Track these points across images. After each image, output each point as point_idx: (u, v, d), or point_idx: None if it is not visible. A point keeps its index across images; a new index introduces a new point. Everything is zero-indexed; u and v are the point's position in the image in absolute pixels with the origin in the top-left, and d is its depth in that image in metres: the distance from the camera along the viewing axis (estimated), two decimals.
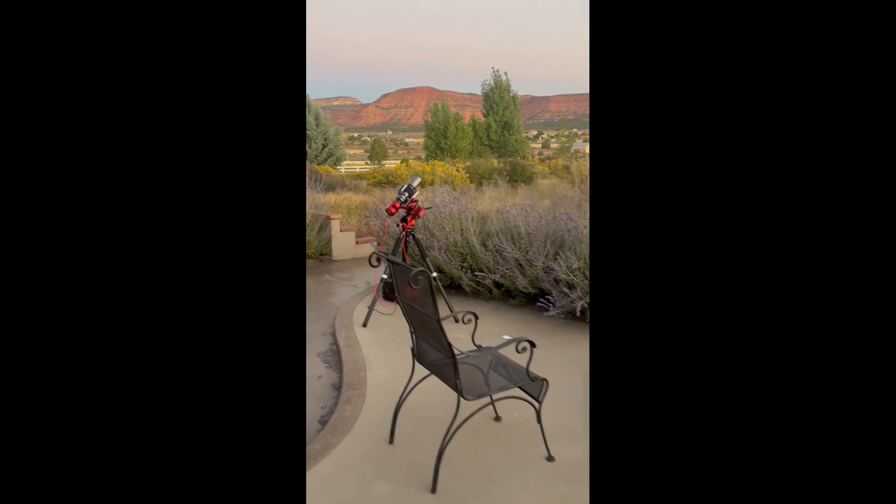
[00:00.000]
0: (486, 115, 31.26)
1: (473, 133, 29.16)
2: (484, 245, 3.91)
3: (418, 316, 1.87)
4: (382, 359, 2.86)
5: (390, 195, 10.25)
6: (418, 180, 3.54)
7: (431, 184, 13.16)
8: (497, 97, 30.07)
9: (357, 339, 3.15)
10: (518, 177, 16.30)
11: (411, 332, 2.02)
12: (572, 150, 30.77)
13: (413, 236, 3.50)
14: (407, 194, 3.41)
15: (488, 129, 29.99)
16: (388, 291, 3.75)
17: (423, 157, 30.08)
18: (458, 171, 14.02)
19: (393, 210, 3.35)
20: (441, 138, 28.61)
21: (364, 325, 3.37)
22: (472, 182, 14.11)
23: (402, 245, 3.47)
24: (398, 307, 3.66)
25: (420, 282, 1.63)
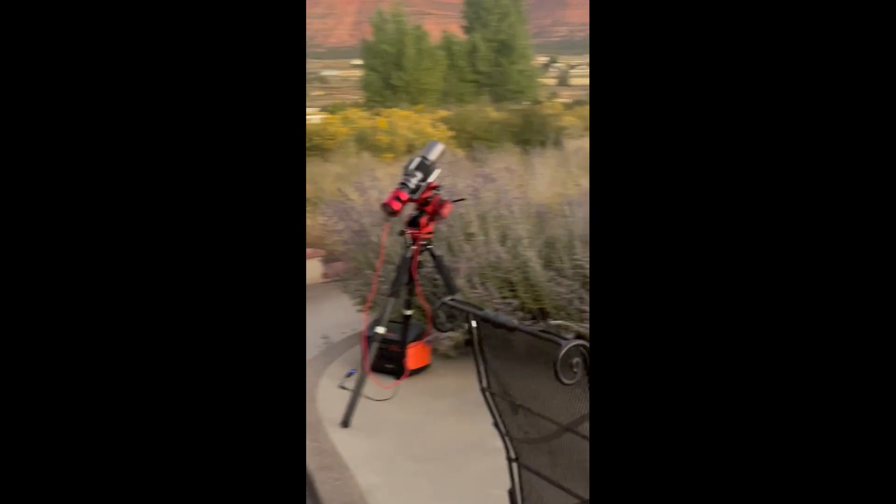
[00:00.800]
0: (468, 31, 31.36)
1: (449, 60, 29.11)
2: (550, 264, 3.66)
3: (542, 430, 1.60)
4: (401, 496, 2.57)
5: (320, 170, 9.87)
6: (439, 149, 3.25)
7: (391, 152, 12.92)
8: None
9: (339, 453, 2.83)
10: (534, 136, 16.28)
11: (512, 459, 1.74)
12: None
13: (432, 254, 3.22)
14: (421, 175, 3.12)
15: (474, 54, 30.02)
16: (384, 359, 3.44)
17: (360, 101, 29.80)
18: (434, 126, 13.83)
19: (397, 206, 3.05)
20: (392, 69, 28.43)
21: (344, 423, 3.06)
22: (458, 145, 13.96)
23: (413, 269, 3.17)
24: (403, 384, 3.34)
25: (578, 367, 1.36)
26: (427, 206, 3.16)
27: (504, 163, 11.50)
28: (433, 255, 3.24)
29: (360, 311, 4.52)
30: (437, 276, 3.35)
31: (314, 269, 5.76)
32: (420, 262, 3.22)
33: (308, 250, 5.84)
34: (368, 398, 3.24)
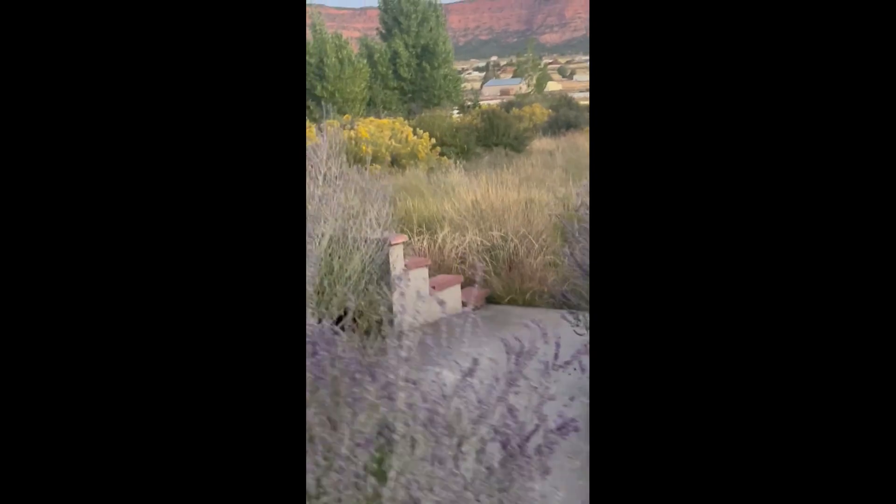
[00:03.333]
0: (386, 38, 30.69)
1: (372, 69, 28.37)
2: None
3: None
4: None
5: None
6: None
7: (394, 163, 12.13)
8: (405, 3, 29.54)
9: None
10: (500, 140, 15.89)
11: None
12: (545, 90, 31.52)
13: None
14: None
15: (395, 61, 29.38)
16: None
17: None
18: (417, 135, 13.14)
19: None
20: (315, 80, 27.41)
21: None
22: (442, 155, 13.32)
23: None
24: None
25: None
26: None
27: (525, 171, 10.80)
28: None
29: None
30: None
31: (454, 296, 5.00)
32: None
33: (444, 277, 5.09)
34: None
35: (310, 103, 26.62)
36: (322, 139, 4.68)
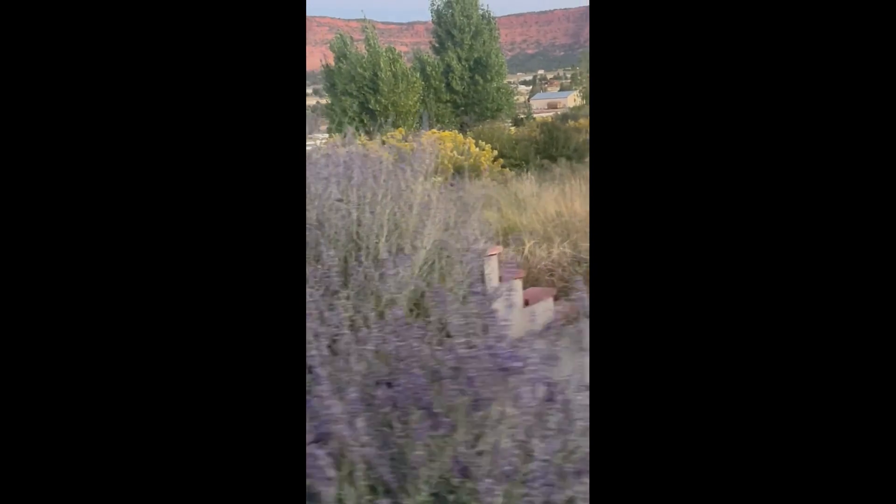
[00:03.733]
0: (438, 51, 30.81)
1: (425, 82, 28.45)
2: None
3: None
4: None
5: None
6: None
7: (439, 174, 12.09)
8: (459, 16, 29.64)
9: None
10: (559, 151, 15.74)
11: None
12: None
13: None
14: None
15: (449, 74, 29.46)
16: None
17: (328, 125, 28.88)
18: (480, 147, 13.09)
19: None
20: (369, 94, 27.56)
21: None
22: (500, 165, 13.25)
23: None
24: None
25: None
26: None
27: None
28: None
29: None
30: None
31: (548, 309, 4.89)
32: None
33: (537, 289, 4.99)
34: None
35: (364, 116, 26.83)
36: (420, 149, 4.62)
